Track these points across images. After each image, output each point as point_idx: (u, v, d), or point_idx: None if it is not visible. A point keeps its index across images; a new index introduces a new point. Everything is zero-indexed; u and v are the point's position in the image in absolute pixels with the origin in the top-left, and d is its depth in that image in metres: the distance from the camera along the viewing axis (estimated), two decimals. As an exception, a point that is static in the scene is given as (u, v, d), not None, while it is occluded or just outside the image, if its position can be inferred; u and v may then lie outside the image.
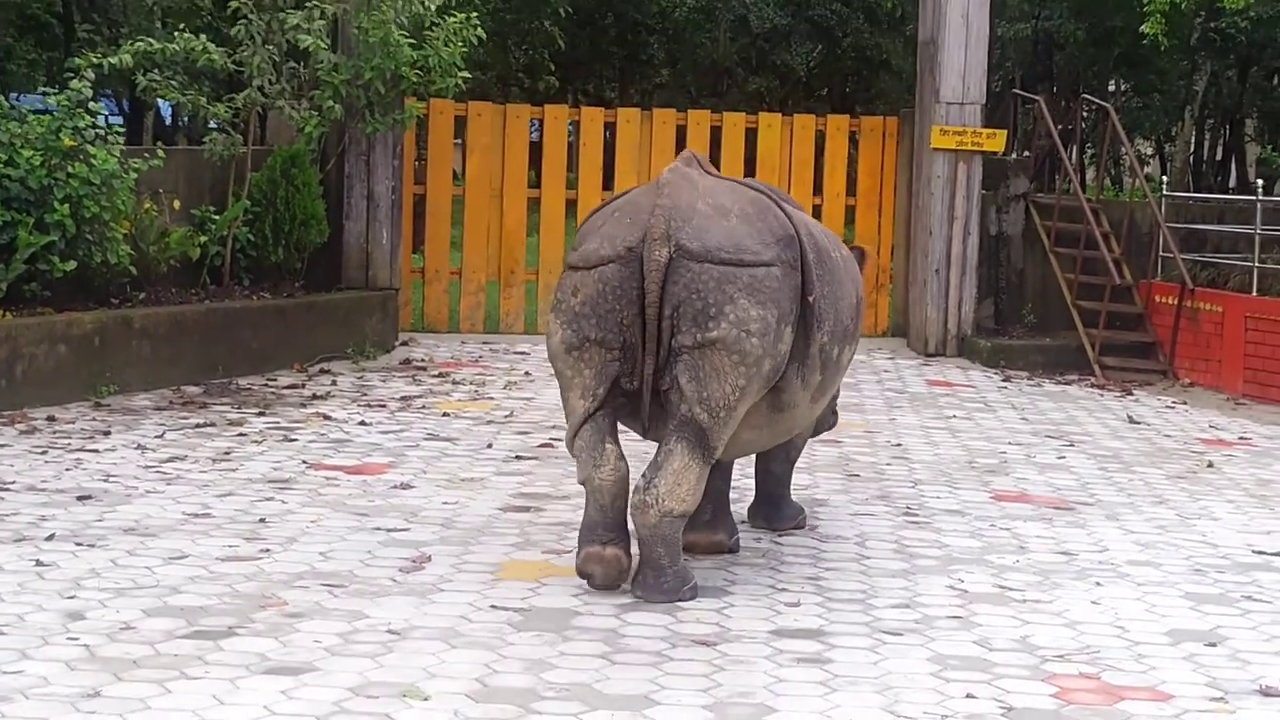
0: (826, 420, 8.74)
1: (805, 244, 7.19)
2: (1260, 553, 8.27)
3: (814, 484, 9.58)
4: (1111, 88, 33.09)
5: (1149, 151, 37.67)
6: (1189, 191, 23.29)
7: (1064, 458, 10.84)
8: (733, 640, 6.37)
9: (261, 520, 8.05)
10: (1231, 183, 35.11)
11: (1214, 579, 7.69)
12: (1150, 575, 7.70)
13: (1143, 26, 18.83)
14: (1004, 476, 10.10)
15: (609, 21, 39.10)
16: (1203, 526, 8.87)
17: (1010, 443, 11.34)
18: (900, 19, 36.80)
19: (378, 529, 7.98)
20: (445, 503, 8.64)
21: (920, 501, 9.20)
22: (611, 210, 7.29)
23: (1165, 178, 17.27)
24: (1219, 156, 37.01)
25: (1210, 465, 10.79)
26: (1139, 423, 12.55)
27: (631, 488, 6.99)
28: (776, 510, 8.41)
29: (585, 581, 7.03)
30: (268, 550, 7.47)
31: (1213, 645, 6.57)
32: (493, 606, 6.70)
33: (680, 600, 6.90)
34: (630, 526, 7.04)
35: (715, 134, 16.42)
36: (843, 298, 7.51)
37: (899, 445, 11.04)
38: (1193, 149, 31.51)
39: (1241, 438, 12.10)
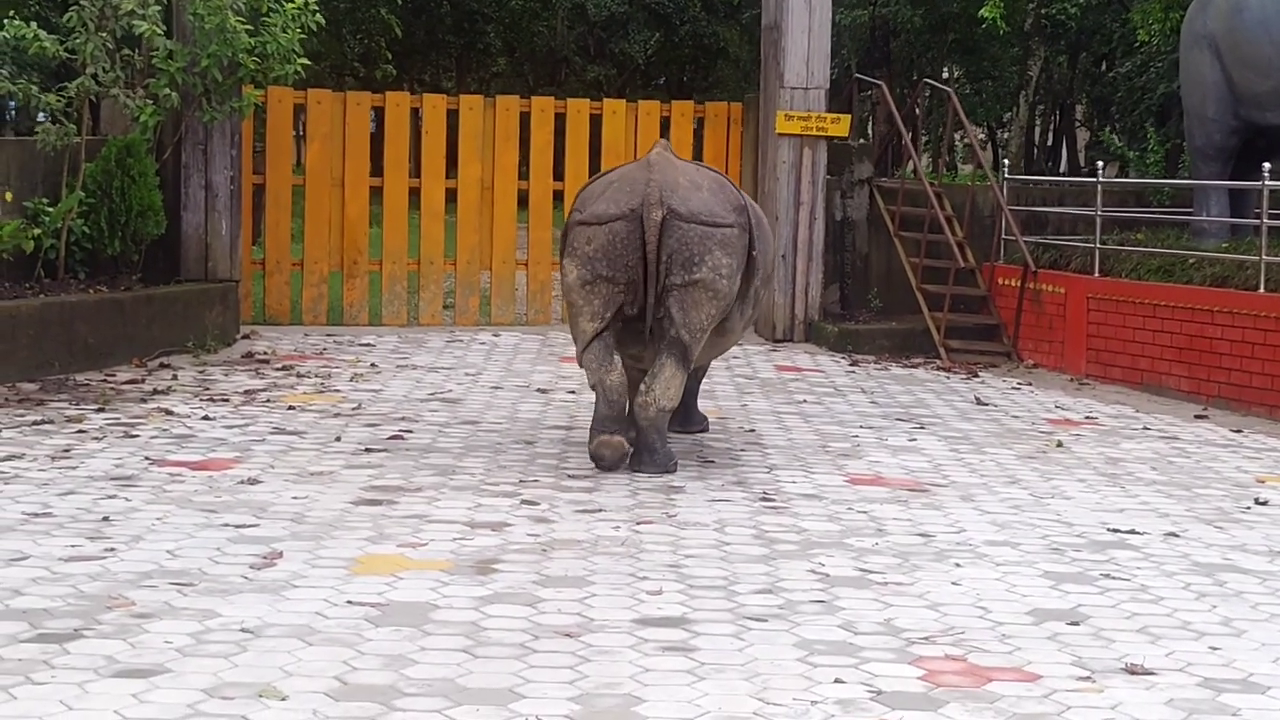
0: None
1: (750, 213, 9.57)
2: (1115, 530, 8.31)
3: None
4: (945, 75, 33.48)
5: (981, 137, 38.13)
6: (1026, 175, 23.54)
7: (915, 440, 10.86)
8: (596, 630, 6.25)
9: (105, 518, 7.79)
10: (1063, 167, 35.68)
11: (1071, 558, 7.71)
12: (1009, 555, 7.70)
13: (981, 10, 19.01)
14: (857, 460, 10.08)
15: (445, 10, 38.86)
16: (1056, 506, 8.91)
17: (861, 426, 11.35)
18: (737, 7, 36.96)
19: (226, 525, 7.76)
20: (295, 497, 8.43)
21: (776, 487, 9.15)
22: (608, 182, 9.54)
23: (1005, 161, 17.33)
24: (1050, 141, 37.61)
25: (1059, 445, 10.87)
26: (986, 404, 12.63)
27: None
28: (689, 416, 10.58)
29: (595, 463, 9.30)
30: (113, 549, 7.22)
31: (1075, 624, 6.56)
32: (349, 602, 6.52)
33: (667, 472, 9.27)
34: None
35: (559, 121, 16.28)
36: (770, 253, 10.18)
37: (752, 431, 11.00)
38: (1025, 134, 31.91)
39: (1088, 417, 12.22)
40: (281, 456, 9.51)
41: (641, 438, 9.35)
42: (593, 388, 9.37)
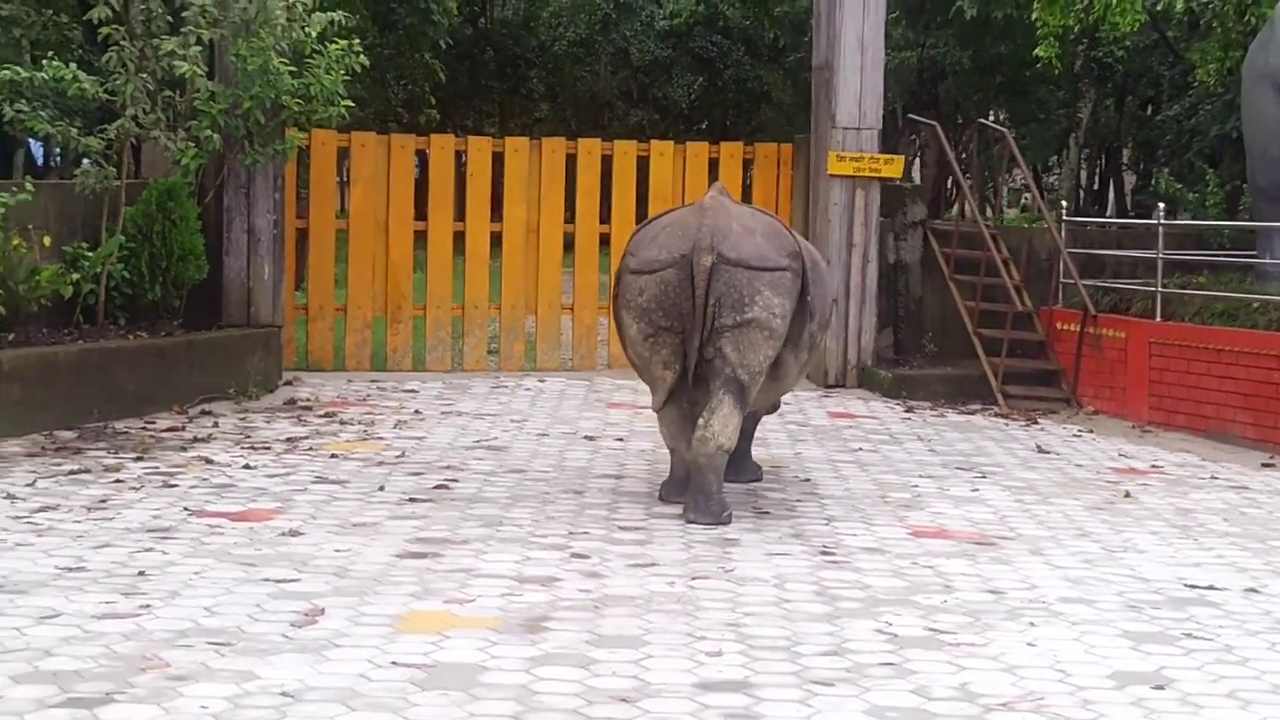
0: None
1: (805, 257, 9.44)
2: (1192, 586, 7.94)
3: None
4: (990, 117, 33.12)
5: (1022, 182, 37.71)
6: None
7: (978, 490, 10.51)
8: (654, 695, 5.91)
9: (141, 573, 7.50)
10: (1109, 210, 35.24)
11: (1150, 616, 7.34)
12: (1084, 613, 7.34)
13: (1036, 50, 18.68)
14: (919, 511, 9.73)
15: (488, 55, 38.79)
16: (1130, 560, 8.54)
17: (921, 475, 10.99)
18: (781, 50, 36.75)
19: (266, 580, 7.46)
20: (337, 550, 8.12)
21: (836, 539, 8.81)
22: (661, 226, 9.47)
23: (1064, 204, 16.99)
24: (1095, 185, 37.21)
25: (1127, 495, 10.50)
26: (1048, 452, 12.27)
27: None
28: (742, 466, 10.30)
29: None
30: (148, 606, 6.93)
31: (1160, 688, 6.19)
32: (393, 663, 6.20)
33: (721, 524, 9.00)
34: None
35: (606, 163, 16.01)
36: (826, 297, 9.97)
37: (808, 480, 10.65)
38: (1074, 177, 31.56)
39: (1154, 466, 11.85)
40: (324, 507, 9.21)
41: (698, 480, 9.12)
42: (670, 450, 9.69)
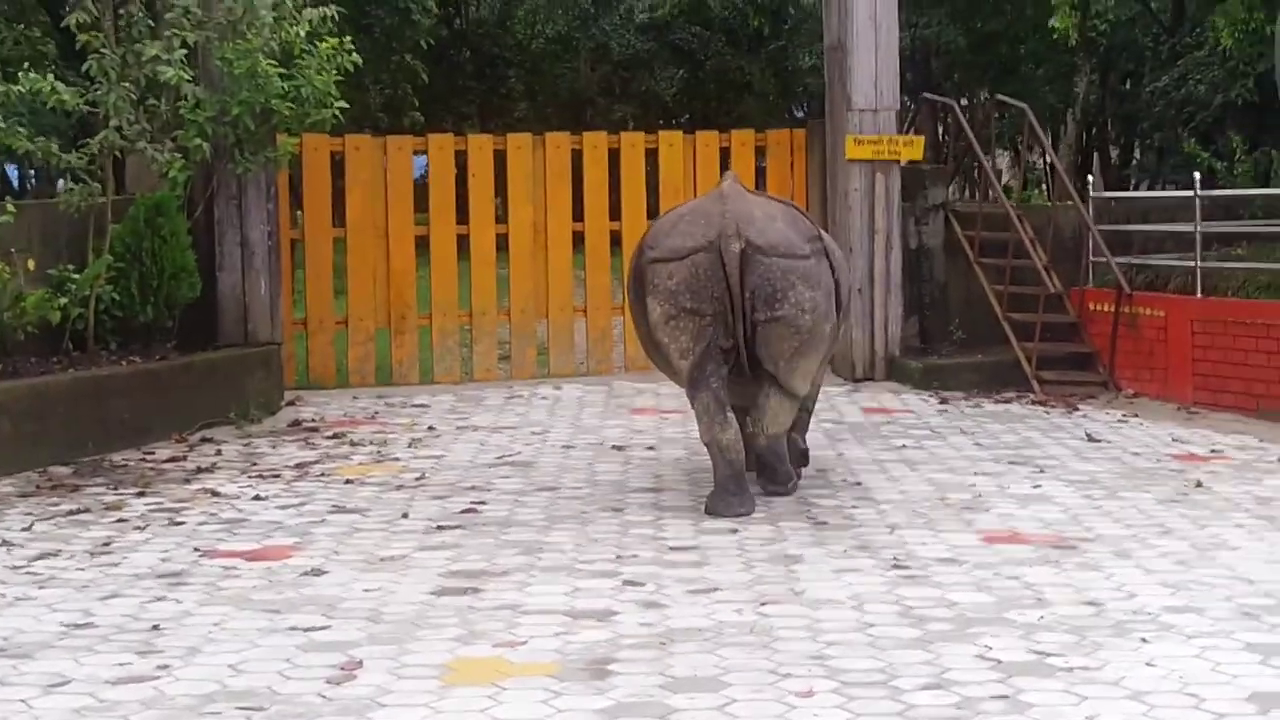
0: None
1: (825, 240, 9.42)
2: (1305, 587, 7.27)
3: (779, 535, 8.48)
4: (983, 96, 32.44)
5: (1006, 162, 37.08)
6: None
7: (1039, 486, 9.82)
8: (748, 748, 5.23)
9: (155, 627, 6.79)
10: (1096, 186, 34.53)
11: (1269, 624, 6.67)
12: (1198, 624, 6.66)
13: (1052, 21, 18.00)
14: (985, 513, 9.05)
15: (465, 56, 38.03)
16: (1225, 559, 7.87)
17: (976, 473, 10.31)
18: (761, 40, 36.06)
19: (294, 629, 6.75)
20: (366, 590, 7.41)
21: (906, 550, 8.12)
22: (679, 215, 9.38)
23: (1091, 177, 16.31)
24: (1079, 161, 36.53)
25: (1199, 485, 9.82)
26: (1099, 440, 11.61)
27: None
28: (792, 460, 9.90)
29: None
30: (166, 666, 6.22)
31: (1311, 712, 5.52)
32: (448, 723, 5.52)
33: (789, 493, 9.44)
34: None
35: (614, 158, 15.30)
36: (847, 284, 9.86)
37: (859, 484, 9.96)
38: (1074, 153, 30.87)
39: (1214, 451, 11.20)
40: (345, 540, 8.51)
41: (761, 460, 9.52)
42: (706, 445, 9.18)
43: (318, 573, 7.77)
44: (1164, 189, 27.74)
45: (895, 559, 7.90)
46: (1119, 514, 8.98)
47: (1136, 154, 33.71)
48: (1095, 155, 35.59)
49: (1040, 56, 28.58)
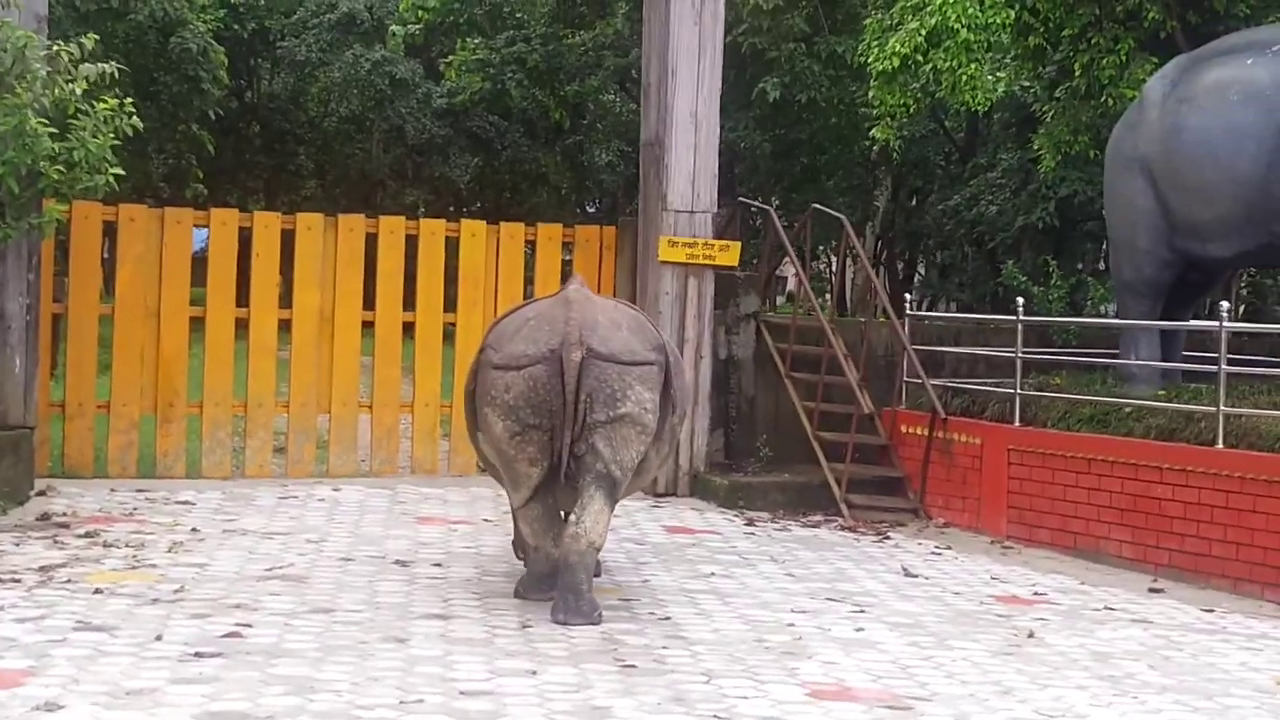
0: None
1: (669, 350, 9.30)
2: (1170, 769, 6.55)
3: (583, 680, 7.55)
4: (777, 204, 32.15)
5: (791, 271, 36.95)
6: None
7: (862, 630, 9.04)
8: None
9: None
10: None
11: (1141, 816, 5.92)
12: (1063, 815, 5.88)
13: (873, 131, 17.51)
14: (808, 660, 8.22)
15: (255, 130, 36.91)
16: (1076, 728, 7.14)
17: (792, 610, 9.50)
18: (560, 133, 35.51)
19: (14, 786, 5.68)
20: (107, 733, 6.35)
21: (725, 704, 7.24)
22: (524, 319, 9.12)
23: (908, 296, 15.77)
24: (878, 273, 36.48)
25: (1031, 635, 9.13)
26: (916, 575, 10.91)
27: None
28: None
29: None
30: None
31: None
32: None
33: (591, 623, 8.64)
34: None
35: (411, 244, 14.36)
36: (686, 390, 9.92)
37: (667, 619, 9.08)
38: (874, 267, 30.67)
39: (1036, 593, 10.57)
40: (87, 666, 7.39)
41: (567, 578, 8.83)
42: (534, 548, 9.21)
43: (51, 707, 6.66)
44: (949, 308, 27.68)
45: (716, 716, 7.02)
46: (951, 667, 8.22)
47: (920, 270, 33.75)
48: (883, 270, 35.58)
49: (839, 167, 28.42)
